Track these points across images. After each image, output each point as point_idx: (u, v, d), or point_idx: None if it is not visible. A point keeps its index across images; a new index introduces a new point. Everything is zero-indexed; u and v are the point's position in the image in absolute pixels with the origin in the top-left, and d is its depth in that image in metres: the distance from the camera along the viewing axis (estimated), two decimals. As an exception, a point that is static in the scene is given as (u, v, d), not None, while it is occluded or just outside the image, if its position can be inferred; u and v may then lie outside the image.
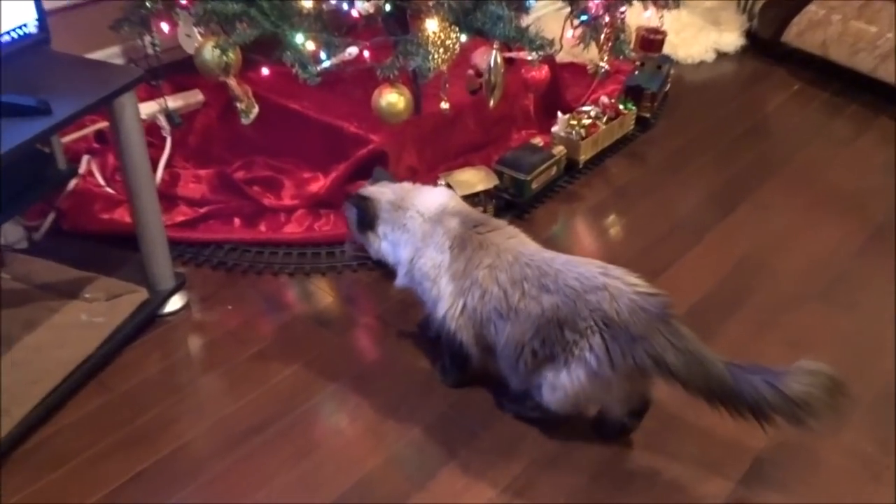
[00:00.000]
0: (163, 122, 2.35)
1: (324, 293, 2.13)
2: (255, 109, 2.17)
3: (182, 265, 2.18)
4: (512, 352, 1.62)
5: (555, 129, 2.60)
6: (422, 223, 1.71)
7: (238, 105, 2.17)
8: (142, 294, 1.98)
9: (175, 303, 2.03)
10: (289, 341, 1.96)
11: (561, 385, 1.58)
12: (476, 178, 2.29)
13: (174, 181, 2.40)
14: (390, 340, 1.95)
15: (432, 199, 1.76)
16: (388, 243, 1.75)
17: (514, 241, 1.68)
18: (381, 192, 1.79)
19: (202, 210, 2.33)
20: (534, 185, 2.40)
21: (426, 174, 2.41)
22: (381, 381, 1.85)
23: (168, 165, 2.40)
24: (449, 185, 2.24)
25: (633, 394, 1.61)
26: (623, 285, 1.54)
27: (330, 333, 1.97)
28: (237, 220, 2.33)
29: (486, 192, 2.28)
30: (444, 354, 1.79)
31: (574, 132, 2.57)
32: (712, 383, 1.50)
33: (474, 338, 1.68)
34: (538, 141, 2.56)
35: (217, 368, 1.88)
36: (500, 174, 2.37)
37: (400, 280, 1.75)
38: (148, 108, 2.31)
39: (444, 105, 2.12)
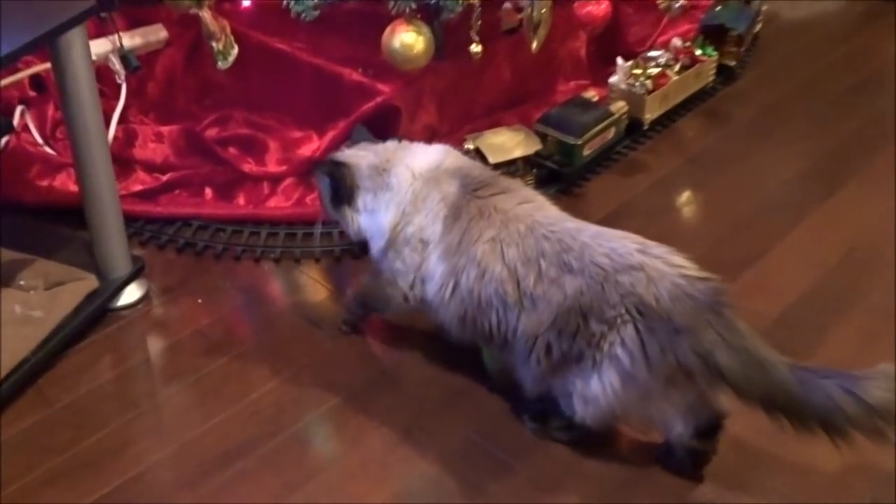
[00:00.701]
0: (116, 65, 2.35)
1: (318, 285, 2.13)
2: (234, 51, 2.18)
3: (140, 247, 2.19)
4: (522, 346, 1.64)
5: (613, 79, 2.58)
6: (412, 181, 1.74)
7: (212, 45, 2.17)
8: (90, 282, 1.99)
9: (131, 294, 2.04)
10: (273, 345, 1.96)
11: (593, 396, 1.59)
12: (513, 142, 2.28)
13: (130, 140, 2.40)
14: (401, 345, 1.95)
15: (426, 155, 1.78)
16: (367, 215, 1.79)
17: (527, 206, 1.69)
18: (361, 155, 1.81)
19: (165, 177, 2.34)
20: (586, 151, 2.40)
21: (448, 136, 2.41)
22: (388, 396, 1.85)
23: (122, 120, 2.40)
24: (478, 151, 2.24)
25: (689, 404, 1.60)
26: (665, 266, 1.55)
27: (325, 336, 1.98)
28: (209, 191, 2.33)
29: (524, 159, 2.28)
30: (362, 295, 1.89)
31: (638, 84, 2.56)
32: (774, 389, 1.50)
33: (462, 322, 1.71)
34: (592, 95, 2.55)
35: (183, 378, 1.89)
36: (542, 137, 2.36)
37: (377, 252, 1.79)
38: (98, 48, 2.30)
39: (475, 48, 2.12)
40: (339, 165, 1.79)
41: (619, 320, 1.54)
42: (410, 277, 1.76)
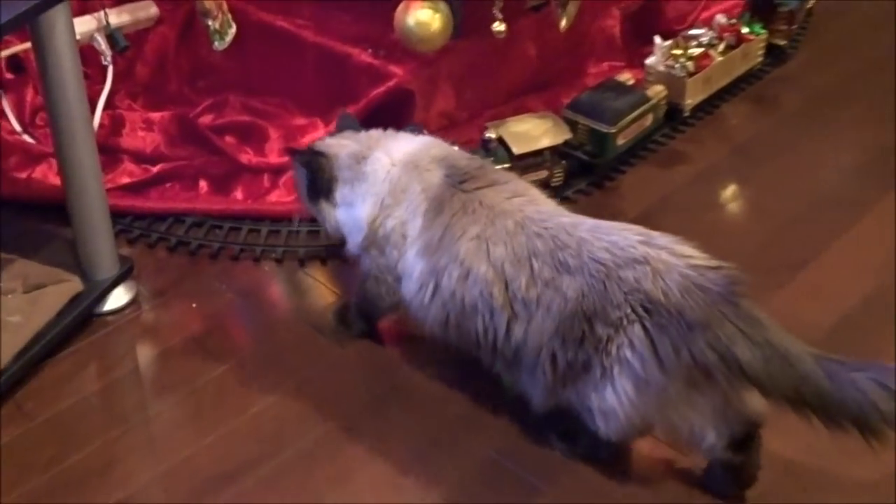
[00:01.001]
0: (102, 44, 2.36)
1: (323, 288, 2.13)
2: (232, 30, 2.18)
3: (128, 245, 2.20)
4: (528, 358, 1.65)
5: (650, 60, 2.58)
6: (389, 168, 1.77)
7: (208, 23, 2.18)
8: (73, 284, 2.00)
9: (119, 298, 2.05)
10: (275, 354, 1.97)
11: (610, 408, 1.59)
12: (539, 130, 2.28)
13: (117, 128, 2.42)
14: (415, 355, 1.95)
15: (408, 142, 1.81)
16: (345, 209, 1.81)
17: (517, 201, 1.70)
18: (342, 144, 1.84)
19: (155, 169, 2.35)
20: (620, 141, 2.39)
21: (467, 122, 2.42)
22: (402, 412, 1.85)
23: (109, 106, 2.42)
24: (501, 140, 2.25)
25: (716, 408, 1.59)
26: (671, 257, 1.56)
27: (332, 344, 1.98)
28: (203, 184, 2.35)
29: (552, 149, 2.28)
30: (358, 302, 1.92)
31: (678, 66, 2.55)
32: (800, 384, 1.50)
33: (445, 327, 1.73)
34: (627, 78, 2.54)
35: (176, 390, 1.89)
36: (572, 124, 2.36)
37: (353, 247, 1.83)
38: (82, 26, 2.31)
39: (498, 26, 2.12)
40: (318, 155, 1.82)
41: (625, 321, 1.55)
42: (394, 275, 1.80)
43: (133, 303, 2.06)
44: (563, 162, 2.33)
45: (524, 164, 2.23)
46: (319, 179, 1.82)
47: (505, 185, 1.73)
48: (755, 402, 1.59)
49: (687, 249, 1.58)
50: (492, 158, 2.21)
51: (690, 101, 2.59)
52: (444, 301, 1.70)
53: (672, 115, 2.57)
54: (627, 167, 2.45)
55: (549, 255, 1.61)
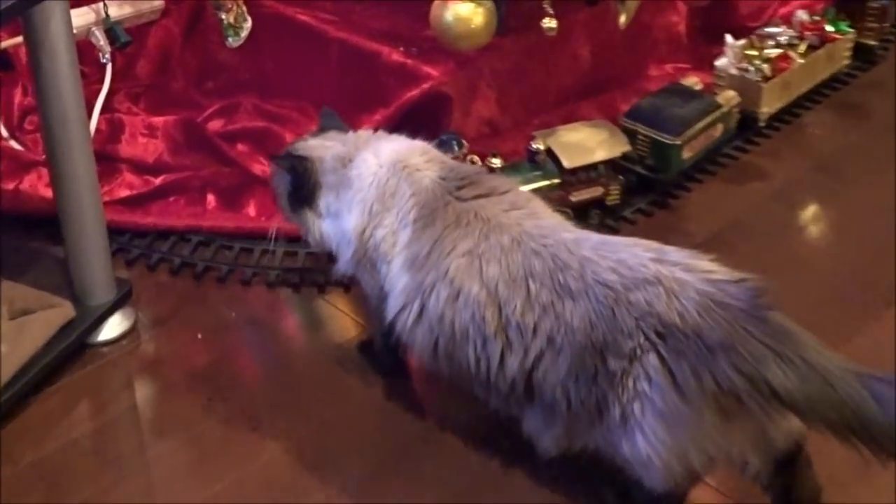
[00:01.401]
0: (100, 39, 2.38)
1: (346, 318, 2.13)
2: (248, 24, 2.19)
3: (126, 267, 2.21)
4: (528, 394, 1.65)
5: (721, 62, 2.57)
6: (377, 170, 1.78)
7: (221, 17, 2.19)
8: (64, 310, 2.00)
9: (115, 326, 2.06)
10: (290, 394, 1.97)
11: (643, 454, 1.57)
12: (593, 141, 2.27)
13: (115, 133, 2.44)
14: (451, 395, 1.92)
15: (399, 144, 1.82)
16: (331, 221, 1.83)
17: (516, 214, 1.71)
18: (327, 146, 1.85)
19: (157, 180, 2.36)
20: (686, 154, 2.39)
21: (512, 130, 2.43)
22: (433, 461, 1.84)
23: (107, 109, 2.43)
24: (550, 152, 2.24)
25: (755, 433, 1.58)
26: (686, 274, 1.56)
27: (356, 382, 1.98)
28: (211, 198, 2.36)
29: (609, 162, 2.27)
30: (378, 336, 1.92)
31: (752, 69, 2.55)
32: (842, 407, 1.48)
33: (433, 354, 1.73)
34: (694, 82, 2.53)
35: (178, 433, 1.89)
36: (631, 134, 2.36)
37: (343, 264, 1.84)
38: (79, 19, 2.34)
39: (548, 22, 2.12)
40: (301, 159, 1.83)
41: (638, 350, 1.54)
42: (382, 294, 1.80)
43: (131, 332, 2.07)
44: (621, 178, 2.32)
45: (576, 179, 2.24)
46: (302, 185, 1.84)
47: (504, 196, 1.74)
48: (795, 420, 1.58)
49: (705, 264, 1.58)
50: (539, 173, 2.23)
51: (767, 110, 2.58)
52: (431, 325, 1.71)
53: (745, 125, 2.56)
54: (694, 184, 2.44)
55: (547, 276, 1.61)
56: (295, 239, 2.23)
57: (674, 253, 1.60)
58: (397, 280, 1.75)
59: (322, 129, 1.94)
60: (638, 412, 1.56)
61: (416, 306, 1.71)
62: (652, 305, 1.54)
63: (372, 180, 1.78)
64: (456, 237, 1.69)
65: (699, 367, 1.51)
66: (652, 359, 1.53)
